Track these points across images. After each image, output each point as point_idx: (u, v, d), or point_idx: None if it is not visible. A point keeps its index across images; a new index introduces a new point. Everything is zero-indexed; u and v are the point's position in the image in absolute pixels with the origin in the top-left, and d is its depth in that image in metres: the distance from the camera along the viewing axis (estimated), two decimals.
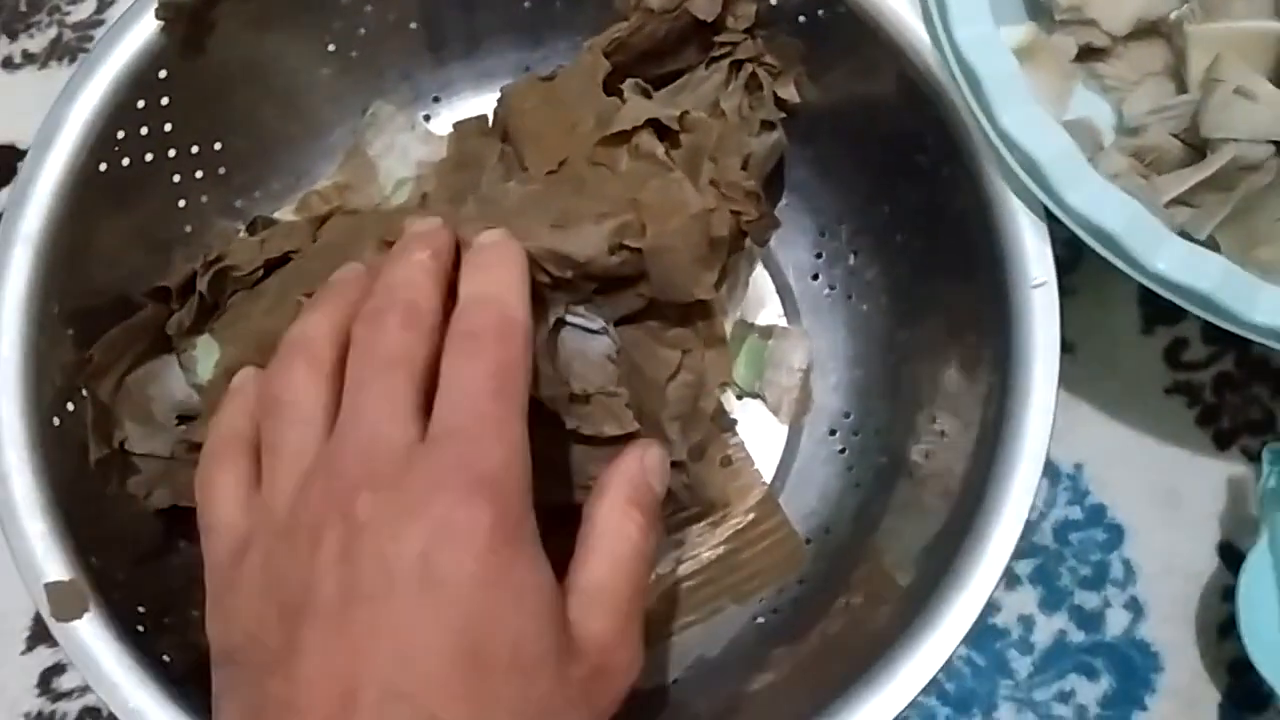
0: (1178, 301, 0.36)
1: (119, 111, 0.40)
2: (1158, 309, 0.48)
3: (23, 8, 0.53)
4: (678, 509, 0.44)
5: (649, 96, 0.41)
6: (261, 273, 0.41)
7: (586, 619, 0.30)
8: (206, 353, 0.41)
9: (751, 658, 0.42)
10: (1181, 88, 0.46)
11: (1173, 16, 0.45)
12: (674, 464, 0.37)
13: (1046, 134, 0.36)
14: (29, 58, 0.52)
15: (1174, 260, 0.36)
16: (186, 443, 0.40)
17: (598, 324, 0.38)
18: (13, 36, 0.53)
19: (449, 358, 0.31)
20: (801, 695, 0.37)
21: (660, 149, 0.39)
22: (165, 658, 0.35)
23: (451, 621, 0.27)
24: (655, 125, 0.39)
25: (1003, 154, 0.37)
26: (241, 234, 0.44)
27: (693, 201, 0.37)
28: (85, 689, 0.45)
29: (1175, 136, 0.45)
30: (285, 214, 0.46)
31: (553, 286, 0.36)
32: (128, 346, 0.40)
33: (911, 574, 0.38)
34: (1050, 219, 0.38)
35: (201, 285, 0.40)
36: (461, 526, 0.28)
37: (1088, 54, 0.47)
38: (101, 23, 0.53)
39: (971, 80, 0.37)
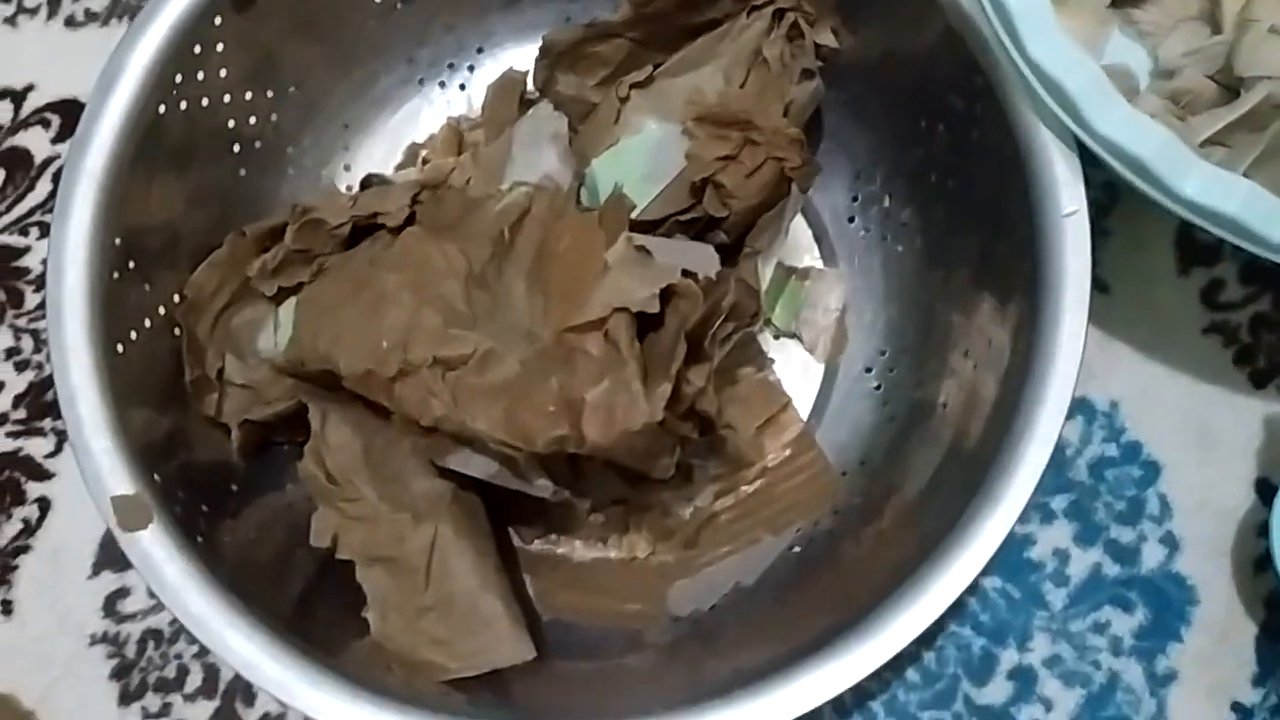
0: (1205, 225, 0.37)
1: (177, 56, 0.41)
2: (1194, 250, 0.48)
3: None
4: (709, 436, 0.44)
5: (646, 252, 0.39)
6: (349, 229, 0.42)
7: None
8: (287, 319, 0.43)
9: (786, 584, 0.43)
10: (1216, 31, 0.46)
11: None
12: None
13: (1075, 63, 0.37)
14: (91, 16, 0.54)
15: (1201, 183, 0.36)
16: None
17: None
18: None
19: None
20: (831, 617, 0.38)
21: (627, 339, 0.37)
22: (223, 567, 0.37)
23: None
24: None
25: (1033, 85, 0.38)
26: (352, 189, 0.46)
27: (638, 416, 0.36)
28: (148, 611, 0.46)
29: (1210, 78, 0.45)
30: (410, 173, 0.48)
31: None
32: (219, 285, 0.43)
33: (943, 500, 0.39)
34: (1083, 155, 0.38)
35: (290, 234, 0.42)
36: None
37: (1123, 0, 0.47)
38: None
39: (1001, 13, 0.38)
